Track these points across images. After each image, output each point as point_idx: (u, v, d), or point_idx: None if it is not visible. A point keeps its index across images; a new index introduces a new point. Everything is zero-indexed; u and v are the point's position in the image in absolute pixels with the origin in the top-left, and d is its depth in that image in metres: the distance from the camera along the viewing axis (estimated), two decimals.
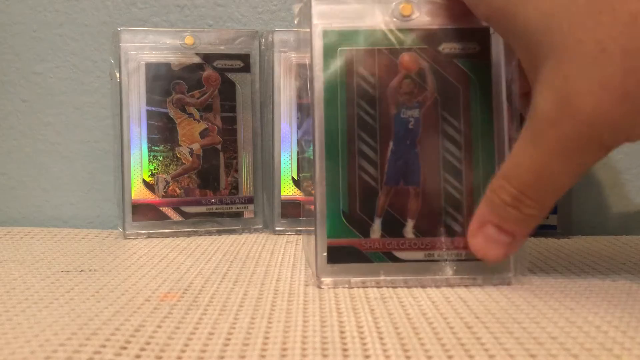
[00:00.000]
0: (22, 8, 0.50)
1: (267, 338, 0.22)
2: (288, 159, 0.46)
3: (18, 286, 0.29)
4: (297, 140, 0.46)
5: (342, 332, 0.23)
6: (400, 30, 0.30)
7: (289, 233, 0.45)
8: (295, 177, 0.46)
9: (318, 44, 0.29)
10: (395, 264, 0.29)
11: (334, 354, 0.21)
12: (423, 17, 0.30)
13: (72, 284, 0.30)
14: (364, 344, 0.21)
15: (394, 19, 0.30)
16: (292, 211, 0.46)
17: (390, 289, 0.29)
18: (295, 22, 0.32)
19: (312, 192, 0.29)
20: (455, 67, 0.30)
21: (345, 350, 0.21)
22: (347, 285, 0.29)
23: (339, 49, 0.29)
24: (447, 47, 0.29)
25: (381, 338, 0.22)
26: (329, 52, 0.29)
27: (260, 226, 0.47)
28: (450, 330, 0.23)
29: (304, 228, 0.31)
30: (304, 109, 0.41)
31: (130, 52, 0.44)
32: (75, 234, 0.45)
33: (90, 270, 0.33)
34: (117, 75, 0.44)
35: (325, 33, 0.29)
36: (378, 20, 0.30)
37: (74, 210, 0.51)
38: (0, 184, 0.51)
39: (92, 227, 0.51)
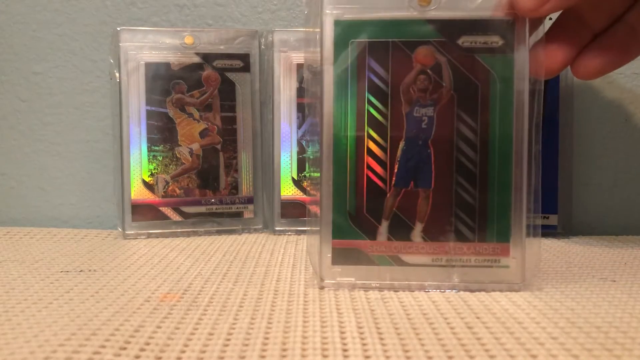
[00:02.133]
0: (21, 8, 0.50)
1: (267, 338, 0.22)
2: (288, 159, 0.46)
3: (18, 286, 0.29)
4: (297, 140, 0.46)
5: (342, 332, 0.23)
6: (417, 21, 0.28)
7: (289, 233, 0.45)
8: (295, 177, 0.46)
9: (329, 34, 0.28)
10: (401, 268, 0.28)
11: (334, 354, 0.21)
12: (442, 8, 0.28)
13: (71, 284, 0.30)
14: (364, 344, 0.21)
15: (411, 9, 0.28)
16: (292, 211, 0.46)
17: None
18: (306, 12, 0.31)
19: (312, 192, 0.29)
20: (475, 62, 0.28)
21: (345, 350, 0.21)
22: (350, 287, 0.29)
23: (351, 40, 0.28)
24: (467, 41, 0.28)
25: (381, 338, 0.22)
26: (340, 44, 0.28)
27: (260, 226, 0.47)
28: (451, 330, 0.23)
29: (308, 228, 0.31)
30: (310, 109, 0.41)
31: (130, 51, 0.44)
32: (75, 234, 0.45)
33: (89, 270, 0.33)
34: (117, 75, 0.44)
35: (337, 23, 0.28)
36: (393, 10, 0.28)
37: (73, 210, 0.51)
38: (0, 184, 0.51)
39: (91, 227, 0.51)
